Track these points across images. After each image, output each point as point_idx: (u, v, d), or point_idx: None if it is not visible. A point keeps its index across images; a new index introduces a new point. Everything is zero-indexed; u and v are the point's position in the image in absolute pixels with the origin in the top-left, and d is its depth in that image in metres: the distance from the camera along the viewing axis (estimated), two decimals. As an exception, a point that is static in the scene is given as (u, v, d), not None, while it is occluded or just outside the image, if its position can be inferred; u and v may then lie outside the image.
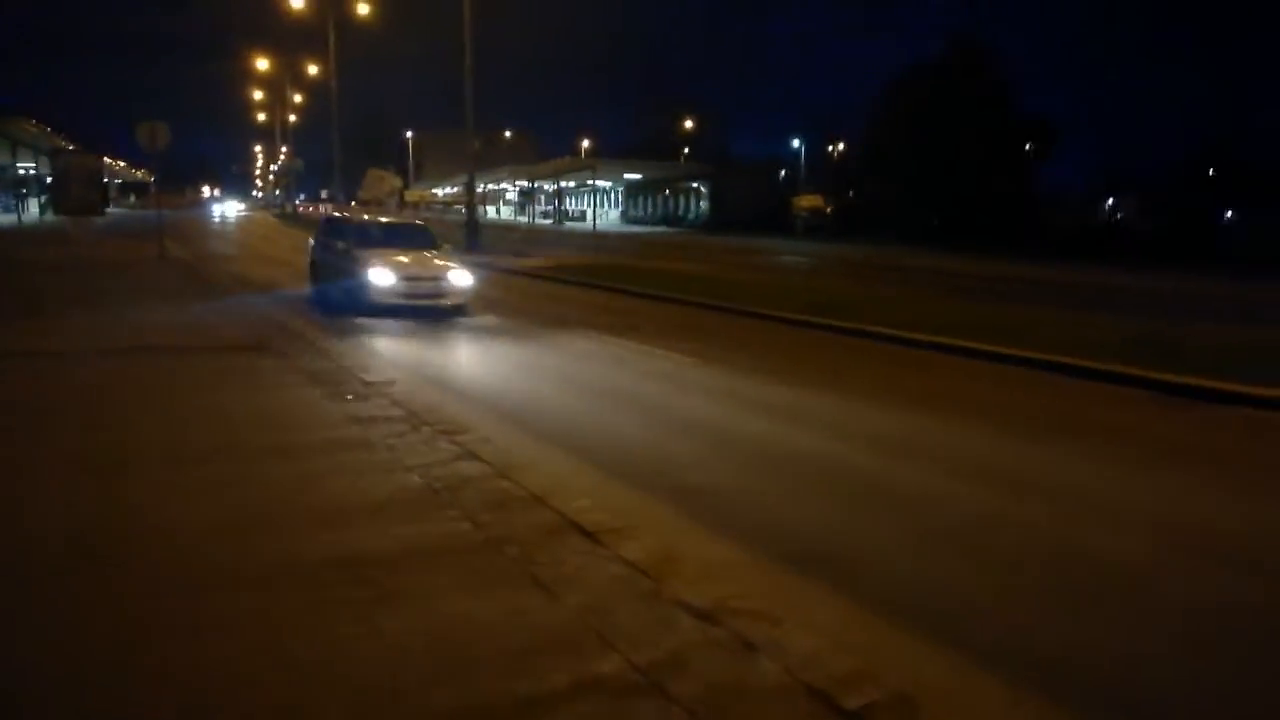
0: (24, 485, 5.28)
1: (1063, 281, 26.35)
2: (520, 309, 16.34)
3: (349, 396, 7.68)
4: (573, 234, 54.42)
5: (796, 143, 56.16)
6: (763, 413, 8.58)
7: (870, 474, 6.62)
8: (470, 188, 33.94)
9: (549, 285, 20.96)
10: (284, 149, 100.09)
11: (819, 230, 52.12)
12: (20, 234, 33.80)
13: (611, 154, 77.44)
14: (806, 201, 57.61)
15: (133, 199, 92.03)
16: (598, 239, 49.53)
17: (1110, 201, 47.48)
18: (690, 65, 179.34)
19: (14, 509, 4.91)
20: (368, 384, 8.21)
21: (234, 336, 10.71)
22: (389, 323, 13.59)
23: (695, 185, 69.94)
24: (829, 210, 57.02)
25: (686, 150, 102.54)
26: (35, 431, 6.47)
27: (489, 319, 14.60)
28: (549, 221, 74.27)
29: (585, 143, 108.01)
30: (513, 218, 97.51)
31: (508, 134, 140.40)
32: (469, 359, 11.30)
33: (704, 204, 67.99)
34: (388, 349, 11.42)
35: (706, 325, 14.94)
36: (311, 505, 4.98)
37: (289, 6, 50.09)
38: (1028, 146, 41.37)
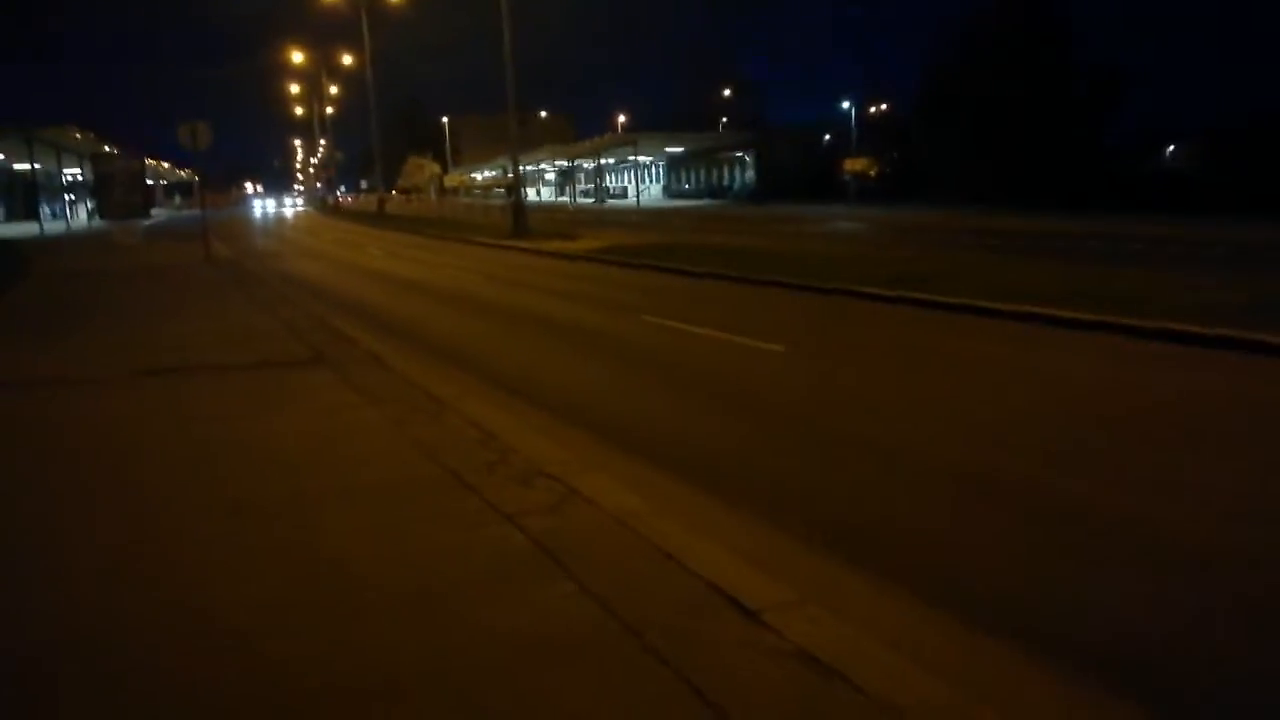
0: (33, 569, 4.33)
1: (1144, 236, 24.55)
2: (584, 296, 15.26)
3: (421, 418, 6.65)
4: (617, 212, 53.20)
5: (846, 104, 54.07)
6: (924, 424, 7.39)
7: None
8: (515, 170, 32.85)
9: (607, 269, 19.84)
10: (322, 142, 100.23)
11: (872, 194, 50.26)
12: (65, 241, 33.60)
13: (648, 129, 75.91)
14: (857, 165, 55.63)
15: (178, 200, 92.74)
16: (645, 216, 48.35)
17: (1171, 149, 44.86)
18: (723, 33, 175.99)
19: (14, 603, 3.94)
20: (439, 402, 7.18)
21: (284, 348, 9.78)
22: (452, 328, 12.62)
23: (739, 154, 68.15)
24: (875, 173, 55.05)
25: (724, 120, 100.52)
26: (56, 488, 5.54)
27: (553, 310, 13.56)
28: (590, 200, 73.16)
29: (621, 119, 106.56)
30: (553, 198, 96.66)
31: (544, 114, 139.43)
32: (541, 359, 10.24)
33: (749, 173, 66.20)
34: (452, 354, 10.40)
35: (785, 307, 13.72)
36: (394, 582, 3.94)
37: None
38: (1093, 95, 39.03)
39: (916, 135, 45.79)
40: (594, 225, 35.93)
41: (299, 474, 5.41)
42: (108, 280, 18.14)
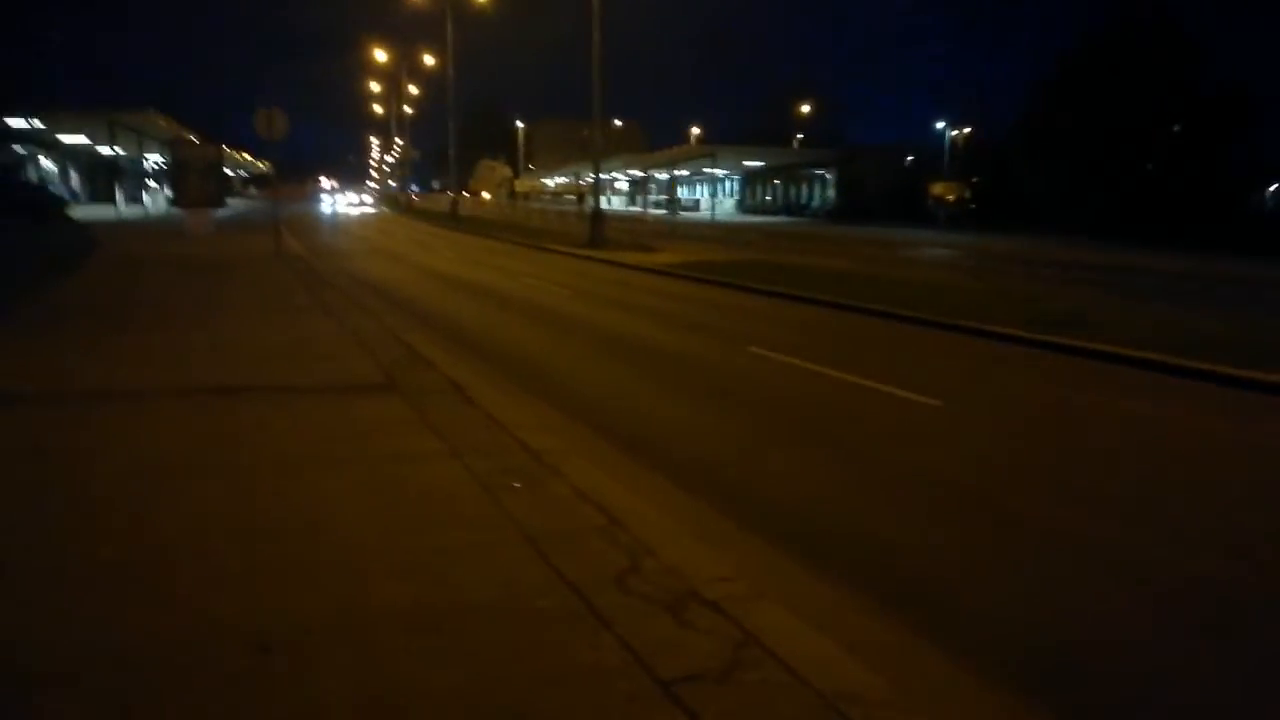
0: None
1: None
2: (678, 318, 13.77)
3: (516, 484, 5.21)
4: (692, 225, 51.67)
5: (940, 125, 51.78)
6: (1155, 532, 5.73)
7: None
8: (595, 178, 31.60)
9: (697, 288, 18.35)
10: (398, 140, 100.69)
11: (962, 219, 47.95)
12: (139, 226, 33.29)
13: (722, 142, 74.27)
14: (945, 190, 53.31)
15: (253, 190, 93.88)
16: (722, 231, 46.71)
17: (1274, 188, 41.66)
18: (803, 50, 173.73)
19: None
20: (539, 458, 5.74)
21: (352, 368, 8.46)
22: (537, 350, 11.25)
23: (819, 172, 66.20)
24: (955, 198, 52.62)
25: (800, 137, 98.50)
26: (69, 563, 4.21)
27: (648, 334, 12.10)
28: (662, 211, 71.79)
29: (695, 131, 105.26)
30: (624, 207, 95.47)
31: (618, 123, 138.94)
32: (650, 400, 8.76)
33: (829, 192, 64.21)
34: (543, 385, 8.98)
35: (912, 346, 12.05)
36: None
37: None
38: (1218, 125, 36.21)
39: (1015, 160, 43.36)
40: (671, 238, 34.46)
41: (360, 579, 3.97)
42: (173, 270, 17.21)
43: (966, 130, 67.03)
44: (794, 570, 4.56)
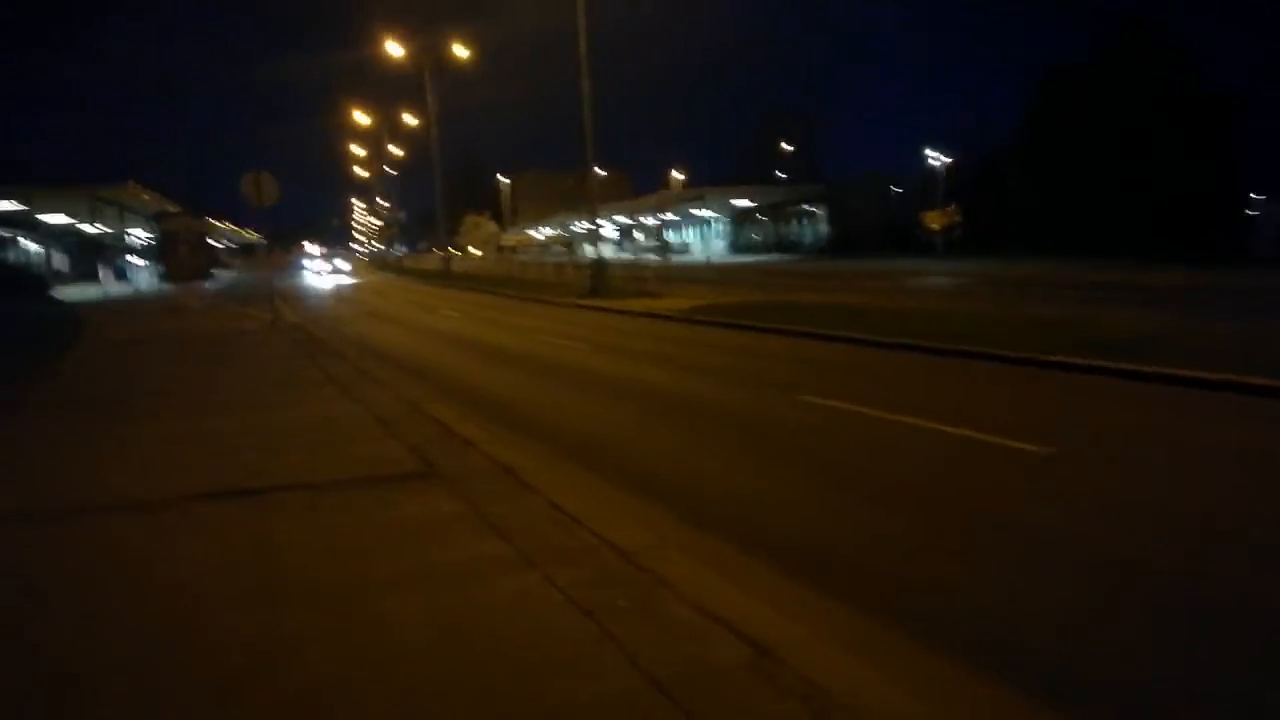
0: None
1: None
2: (713, 369, 12.85)
3: (620, 602, 4.21)
4: (688, 269, 50.99)
5: (929, 153, 51.42)
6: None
7: None
8: (594, 226, 30.87)
9: (718, 334, 17.45)
10: (379, 200, 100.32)
11: (959, 246, 47.40)
12: (128, 304, 32.32)
13: (703, 185, 74.02)
14: (937, 218, 52.91)
15: (239, 261, 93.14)
16: (719, 272, 46.03)
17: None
18: (779, 88, 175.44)
19: None
20: (631, 560, 4.75)
21: (381, 452, 7.46)
22: (579, 416, 10.28)
23: (808, 208, 65.94)
24: (957, 222, 52.19)
25: (781, 175, 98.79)
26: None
27: (687, 388, 11.15)
28: (654, 257, 71.22)
29: (676, 175, 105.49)
30: (613, 254, 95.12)
31: (600, 172, 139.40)
32: (726, 468, 7.78)
33: (821, 227, 63.85)
34: (602, 460, 7.99)
35: (967, 380, 11.14)
36: None
37: (386, 58, 48.78)
38: (1215, 135, 35.79)
39: (1012, 176, 42.84)
40: (671, 282, 33.55)
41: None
42: (168, 349, 16.22)
43: (948, 160, 67.08)
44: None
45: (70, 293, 39.73)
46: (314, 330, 19.55)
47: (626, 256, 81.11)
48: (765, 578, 4.91)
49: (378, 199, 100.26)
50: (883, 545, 5.48)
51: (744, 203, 66.72)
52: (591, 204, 30.38)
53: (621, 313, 22.84)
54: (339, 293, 41.67)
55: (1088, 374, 10.81)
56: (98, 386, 12.30)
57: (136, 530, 5.71)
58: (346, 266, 69.22)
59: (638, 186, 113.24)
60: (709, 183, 76.81)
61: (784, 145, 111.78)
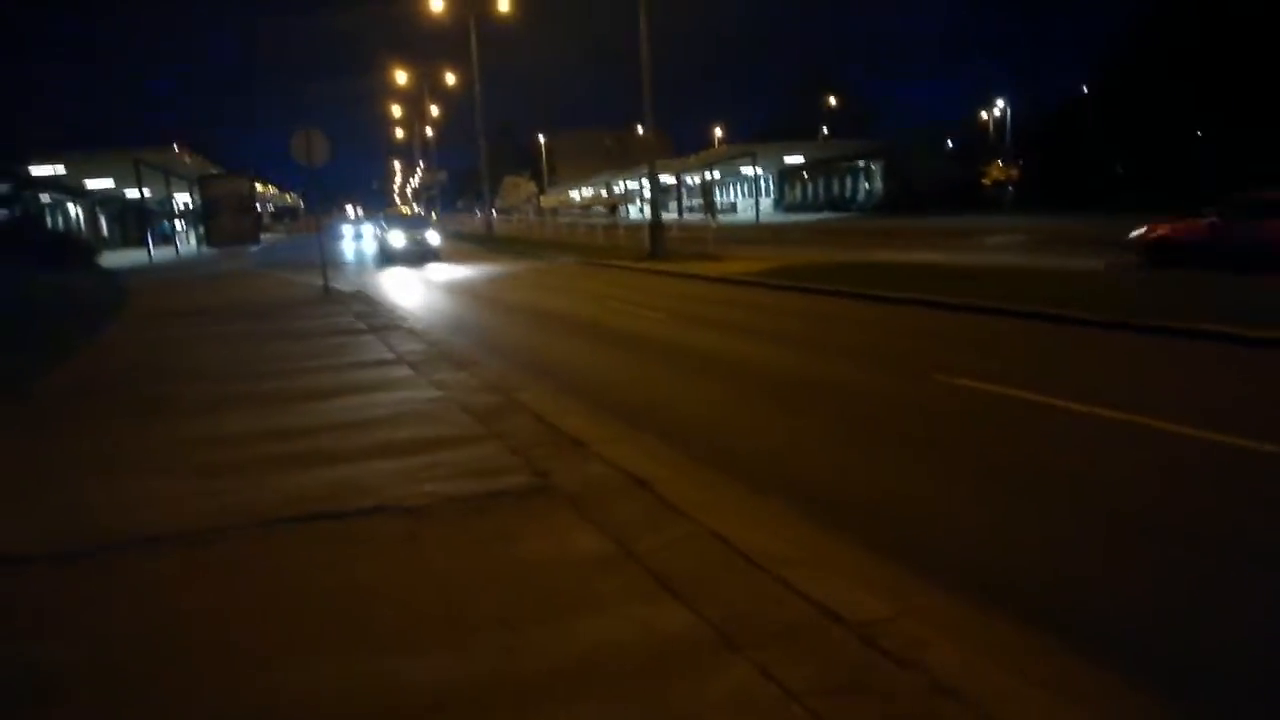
0: None
1: None
2: (809, 339, 11.39)
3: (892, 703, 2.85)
4: (740, 228, 49.10)
5: (998, 103, 48.80)
6: None
7: None
8: (654, 185, 29.27)
9: (798, 299, 15.93)
10: (420, 164, 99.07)
11: (1029, 201, 44.91)
12: (172, 270, 31.46)
13: (745, 142, 71.52)
14: (1003, 172, 50.43)
15: (287, 222, 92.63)
16: (774, 232, 44.22)
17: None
18: (821, 41, 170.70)
19: None
20: (872, 641, 3.38)
21: (478, 458, 6.15)
22: (685, 398, 8.88)
23: (862, 164, 63.48)
24: (1014, 176, 49.68)
25: (825, 131, 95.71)
26: None
27: (797, 365, 9.71)
28: (700, 217, 69.27)
29: (718, 132, 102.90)
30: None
31: (640, 130, 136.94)
32: (901, 475, 6.38)
33: (875, 184, 61.44)
34: (728, 463, 6.62)
35: (1108, 352, 9.56)
36: None
37: (427, 11, 47.14)
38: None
39: (1086, 131, 40.24)
40: (728, 243, 31.89)
41: None
42: (213, 322, 15.10)
43: (997, 111, 64.13)
44: None
45: (115, 259, 39.10)
46: (370, 300, 18.35)
47: (670, 216, 79.23)
48: (1057, 664, 3.52)
49: (419, 161, 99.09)
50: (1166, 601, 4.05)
51: (797, 159, 64.40)
52: (651, 161, 28.75)
53: (689, 277, 21.39)
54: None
55: (1253, 346, 9.22)
56: (139, 368, 11.17)
57: (176, 578, 4.45)
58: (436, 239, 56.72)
59: (679, 145, 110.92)
60: (750, 140, 74.43)
61: (830, 101, 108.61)
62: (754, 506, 5.39)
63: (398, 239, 30.85)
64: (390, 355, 10.67)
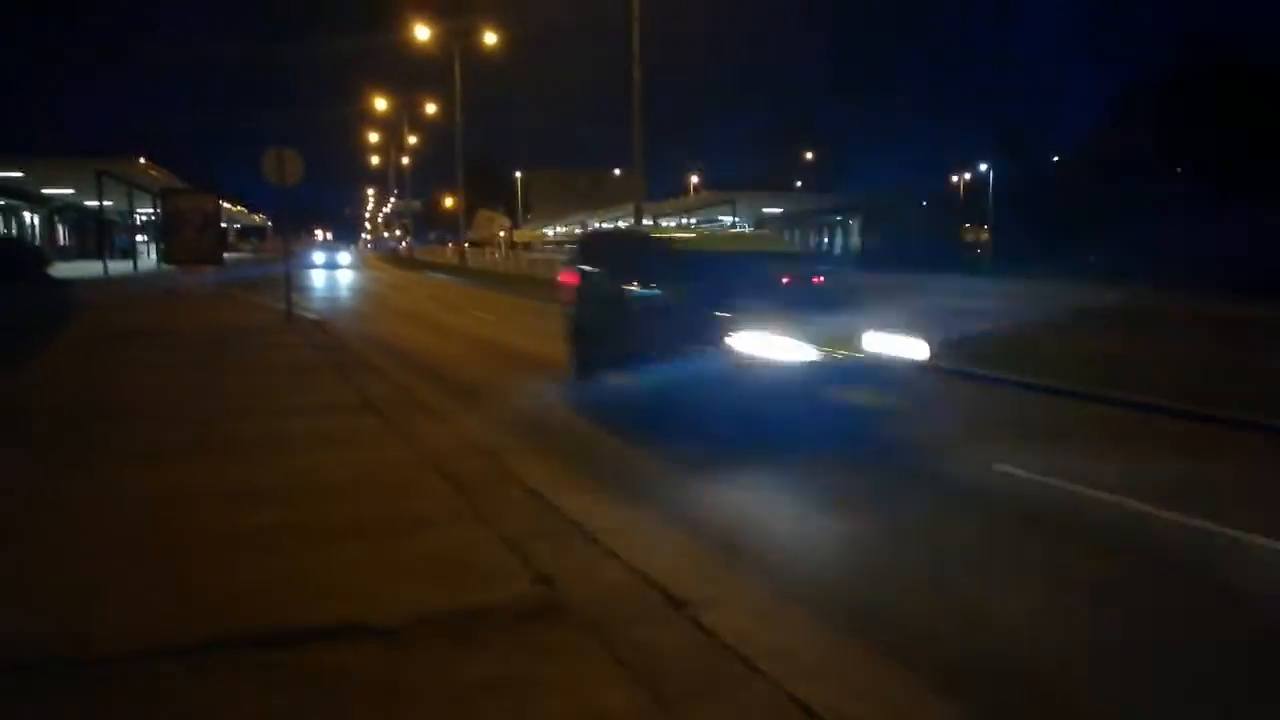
0: None
1: None
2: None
3: None
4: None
5: (984, 166, 48.84)
6: None
7: None
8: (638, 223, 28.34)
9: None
10: (395, 192, 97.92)
11: (1011, 263, 44.69)
12: (126, 286, 29.85)
13: (719, 190, 71.20)
14: (979, 234, 50.43)
15: (254, 242, 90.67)
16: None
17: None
18: (800, 99, 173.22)
19: None
20: None
21: (469, 545, 4.99)
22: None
23: (840, 218, 63.43)
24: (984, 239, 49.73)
25: (799, 184, 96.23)
26: None
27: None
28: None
29: (694, 179, 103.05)
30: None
31: (617, 172, 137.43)
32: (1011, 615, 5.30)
33: (853, 238, 61.32)
34: (776, 569, 5.52)
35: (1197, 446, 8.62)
36: None
37: (410, 41, 46.34)
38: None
39: (1076, 195, 40.08)
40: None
41: None
42: (165, 350, 13.74)
43: (968, 175, 64.50)
44: None
45: (69, 270, 37.34)
46: (335, 330, 17.07)
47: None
48: None
49: (394, 189, 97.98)
50: None
51: (775, 210, 64.13)
52: (637, 201, 27.87)
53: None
54: (352, 285, 39.15)
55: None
56: (74, 399, 9.82)
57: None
58: (348, 258, 57.67)
59: (654, 188, 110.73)
60: (726, 188, 74.16)
61: (806, 155, 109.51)
62: (820, 643, 4.27)
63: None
64: (355, 399, 9.44)
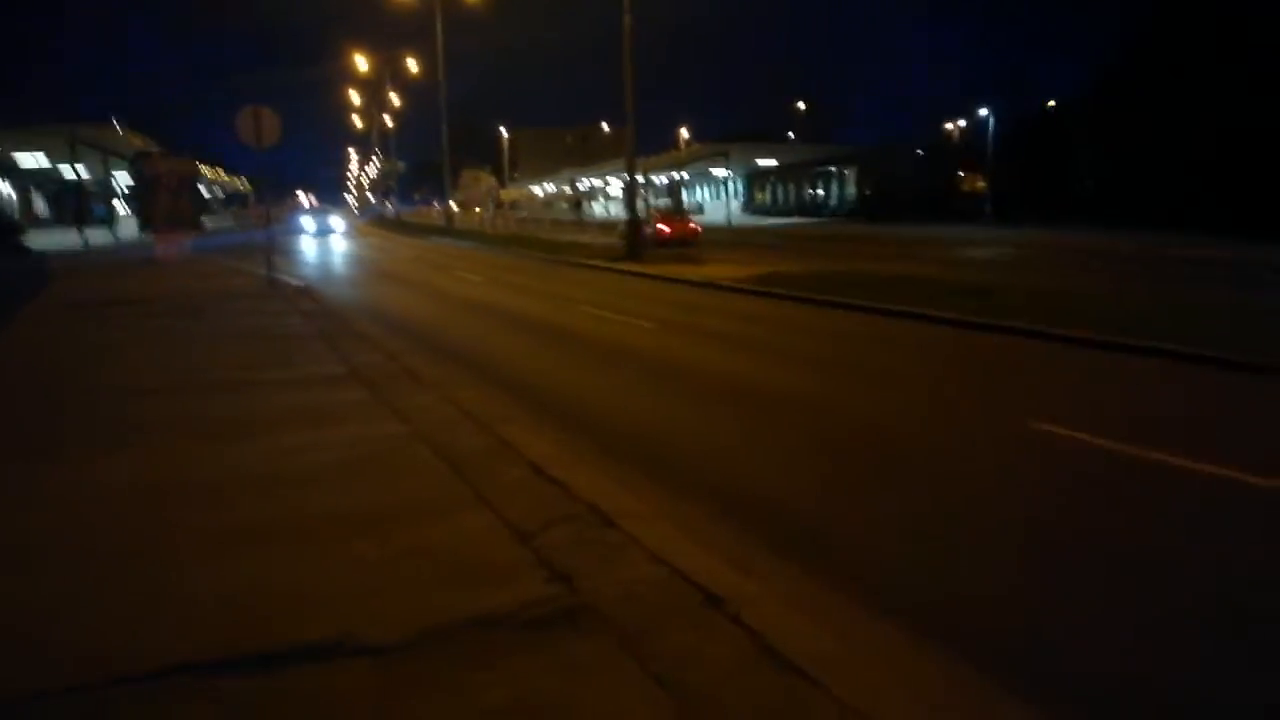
0: None
1: None
2: (851, 367, 9.71)
3: None
4: (715, 230, 47.49)
5: (984, 111, 47.77)
6: None
7: None
8: (631, 180, 27.53)
9: (805, 313, 14.30)
10: (377, 151, 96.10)
11: (1009, 213, 43.97)
12: (103, 256, 28.97)
13: (706, 144, 70.01)
14: (971, 182, 49.61)
15: (236, 209, 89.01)
16: (749, 235, 42.71)
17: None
18: (790, 46, 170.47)
19: None
20: None
21: (470, 539, 4.37)
22: (725, 448, 7.12)
23: (835, 169, 62.38)
24: (982, 189, 48.90)
25: (791, 135, 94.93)
26: None
27: (862, 407, 8.00)
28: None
29: (684, 133, 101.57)
30: (623, 213, 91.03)
31: (604, 127, 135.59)
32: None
33: (848, 189, 60.36)
34: (824, 562, 4.93)
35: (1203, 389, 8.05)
36: None
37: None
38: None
39: (1078, 140, 39.21)
40: (705, 245, 30.18)
41: None
42: (139, 319, 13.01)
43: (963, 122, 63.44)
44: None
45: (45, 241, 36.31)
46: (320, 295, 16.34)
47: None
48: None
49: (376, 150, 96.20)
50: None
51: (769, 162, 63.05)
52: (630, 156, 26.97)
53: (672, 281, 19.69)
54: (336, 248, 38.20)
55: None
56: (40, 375, 9.13)
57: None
58: (340, 224, 53.50)
59: (643, 143, 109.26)
60: (716, 141, 72.95)
61: (799, 105, 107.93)
62: (920, 659, 3.67)
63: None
64: (342, 369, 8.79)
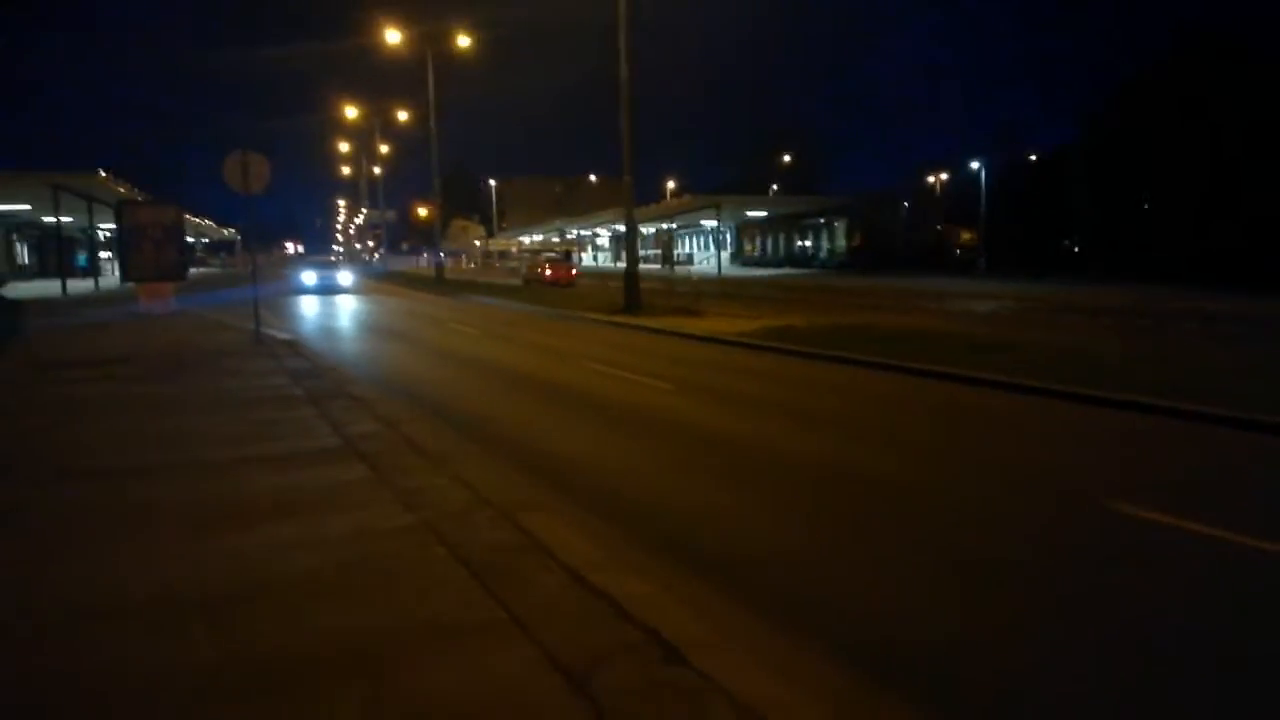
0: None
1: None
2: (887, 435, 8.92)
3: None
4: (703, 281, 46.93)
5: (975, 164, 47.75)
6: None
7: None
8: (630, 230, 26.96)
9: (820, 370, 13.58)
10: (366, 203, 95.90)
11: (1002, 266, 43.80)
12: (83, 305, 28.04)
13: (695, 195, 70.06)
14: (971, 235, 49.52)
15: (223, 257, 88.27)
16: (743, 286, 42.19)
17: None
18: (777, 103, 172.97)
19: None
20: None
21: (501, 677, 3.52)
22: (775, 553, 6.32)
23: (824, 221, 62.35)
24: (969, 240, 48.93)
25: (774, 188, 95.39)
26: None
27: (912, 479, 7.20)
28: (657, 268, 67.25)
29: (670, 184, 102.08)
30: (611, 264, 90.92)
31: (592, 178, 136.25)
32: None
33: (838, 241, 60.25)
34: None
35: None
36: None
37: (382, 46, 44.68)
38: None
39: (1072, 189, 39.15)
40: (701, 297, 29.48)
41: None
42: (114, 382, 12.12)
43: (944, 177, 63.72)
44: None
45: (26, 290, 35.35)
46: (309, 352, 15.48)
47: (623, 267, 76.80)
48: None
49: (366, 200, 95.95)
50: None
51: (760, 213, 62.99)
52: (628, 207, 26.41)
53: (676, 335, 18.98)
54: (325, 299, 37.20)
55: None
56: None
57: None
58: (349, 280, 43.20)
59: (635, 193, 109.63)
60: (703, 193, 73.09)
61: (785, 158, 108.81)
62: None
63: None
64: (337, 442, 7.93)
